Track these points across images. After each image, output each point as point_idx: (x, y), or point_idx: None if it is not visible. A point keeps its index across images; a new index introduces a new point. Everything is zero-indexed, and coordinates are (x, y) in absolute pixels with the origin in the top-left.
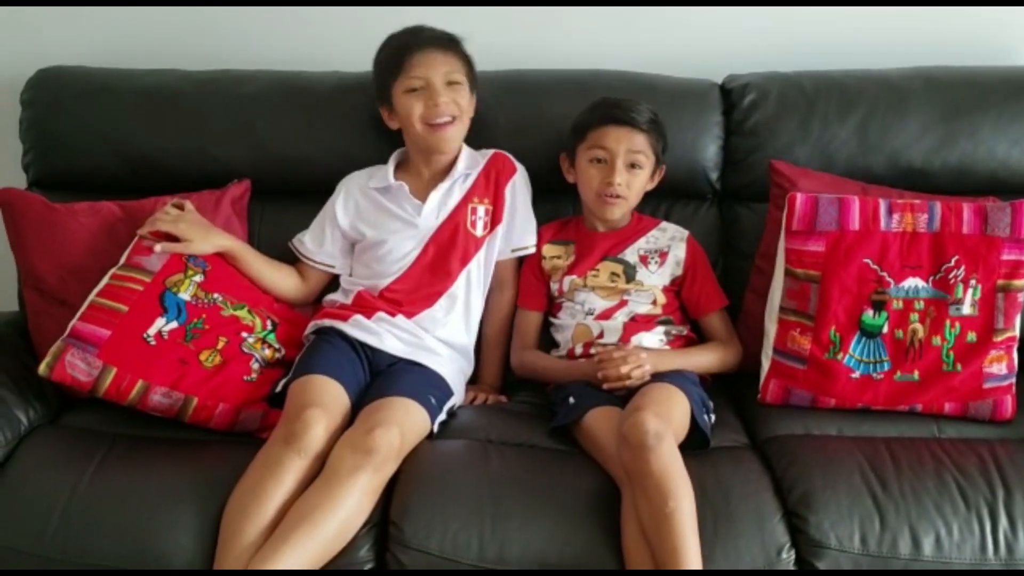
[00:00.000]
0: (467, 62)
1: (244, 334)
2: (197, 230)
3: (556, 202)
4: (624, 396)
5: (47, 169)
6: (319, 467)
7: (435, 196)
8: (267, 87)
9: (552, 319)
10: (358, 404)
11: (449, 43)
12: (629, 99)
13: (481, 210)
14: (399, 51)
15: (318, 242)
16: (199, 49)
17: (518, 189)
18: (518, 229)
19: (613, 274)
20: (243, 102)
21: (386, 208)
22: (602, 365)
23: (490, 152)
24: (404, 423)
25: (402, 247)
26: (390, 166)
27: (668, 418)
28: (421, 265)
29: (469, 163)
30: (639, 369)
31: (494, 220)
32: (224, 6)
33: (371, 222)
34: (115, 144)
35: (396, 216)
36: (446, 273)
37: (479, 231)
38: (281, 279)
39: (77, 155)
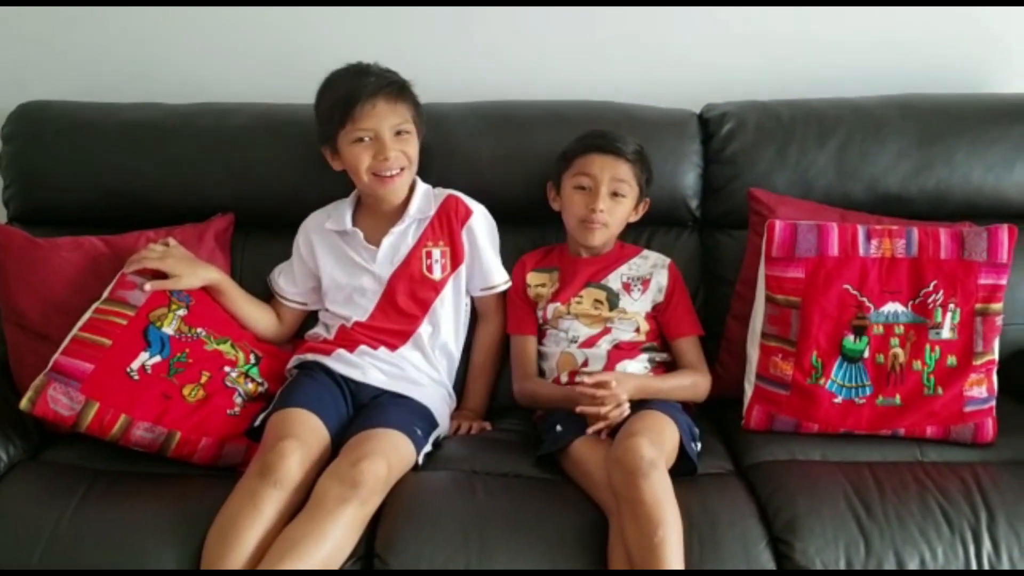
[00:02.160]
0: (416, 107)
1: (227, 368)
2: (185, 265)
3: (540, 231)
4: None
5: (28, 204)
6: (299, 500)
7: (387, 242)
8: (250, 120)
9: (538, 346)
10: (339, 438)
11: (399, 92)
12: (615, 131)
13: (437, 253)
14: (345, 100)
15: (290, 280)
16: (181, 83)
17: (476, 230)
18: (484, 269)
19: (596, 301)
20: (226, 135)
21: (343, 252)
22: (582, 401)
23: (444, 193)
24: (391, 455)
25: (362, 291)
26: (349, 207)
27: (660, 445)
28: (383, 308)
29: (423, 206)
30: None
31: (454, 260)
32: (206, 39)
33: (329, 265)
34: (97, 178)
35: (353, 261)
36: (408, 316)
37: (437, 274)
38: (261, 317)
39: (59, 190)
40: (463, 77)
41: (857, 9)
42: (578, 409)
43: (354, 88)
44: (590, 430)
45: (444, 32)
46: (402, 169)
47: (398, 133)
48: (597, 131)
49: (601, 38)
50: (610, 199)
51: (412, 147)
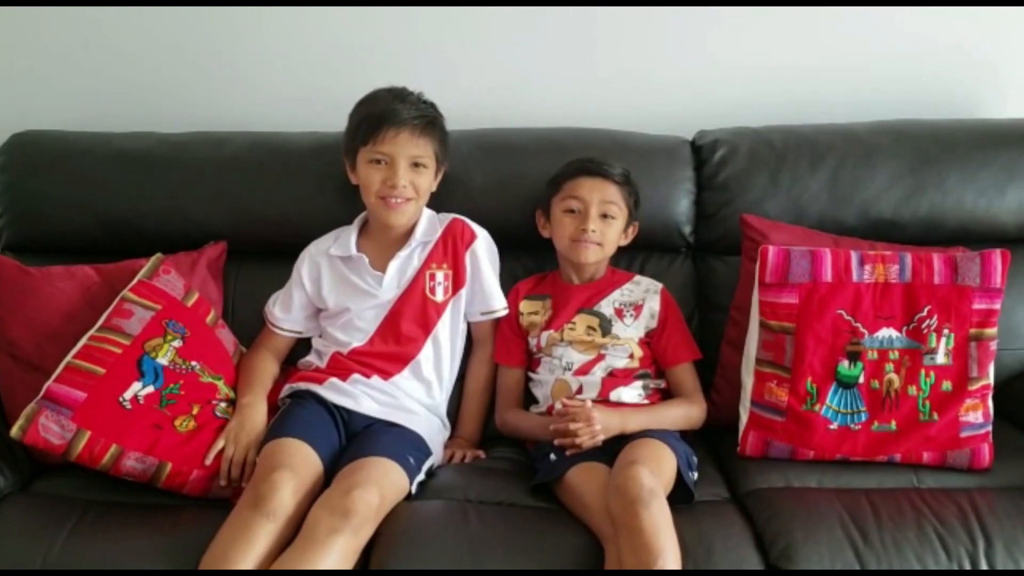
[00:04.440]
0: (442, 141)
1: (215, 400)
2: (251, 434)
3: (534, 257)
4: (607, 451)
5: (22, 232)
6: (291, 532)
7: (394, 266)
8: (244, 148)
9: (531, 374)
10: (332, 467)
11: (426, 126)
12: (601, 157)
13: (440, 275)
14: (375, 120)
15: (286, 308)
16: (175, 112)
17: (480, 254)
18: (485, 293)
19: (589, 327)
20: (220, 163)
21: (347, 278)
22: (555, 420)
23: (449, 217)
24: (383, 484)
25: (364, 316)
26: (353, 232)
27: (660, 474)
28: (383, 333)
29: (428, 230)
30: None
31: (456, 284)
32: (199, 69)
33: (333, 291)
34: (91, 207)
35: (357, 287)
36: (410, 340)
37: (439, 296)
38: (272, 380)
39: (52, 219)
40: (457, 105)
41: (848, 36)
42: (551, 427)
43: (385, 112)
44: (556, 441)
45: (437, 60)
46: (408, 200)
47: (415, 165)
48: (584, 157)
49: (594, 66)
50: (600, 220)
51: (424, 180)
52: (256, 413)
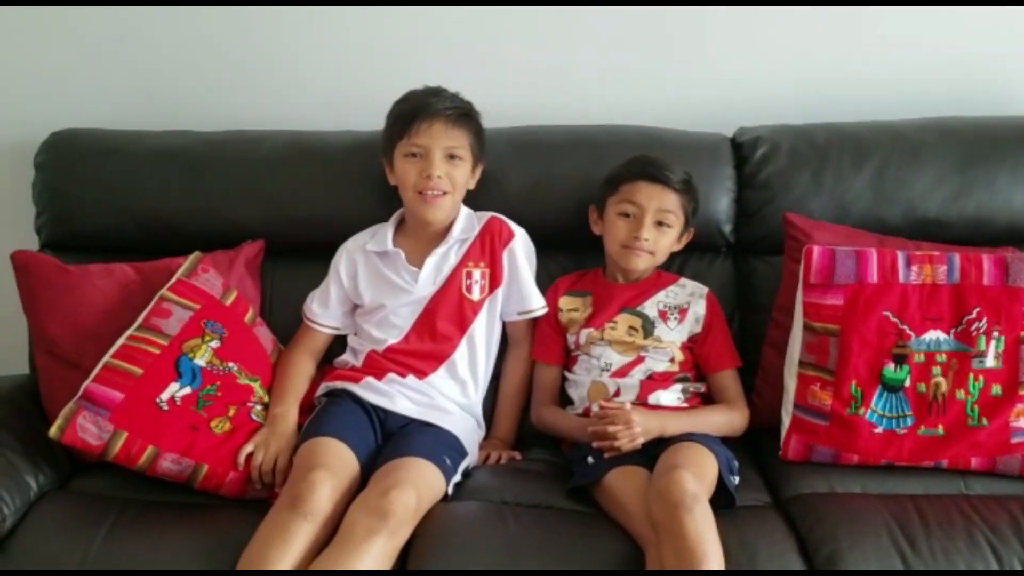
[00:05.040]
0: (476, 135)
1: (250, 403)
2: (280, 440)
3: (570, 256)
4: (646, 454)
5: (59, 231)
6: (328, 532)
7: (430, 262)
8: (280, 147)
9: (567, 373)
10: (368, 467)
11: (460, 117)
12: (664, 159)
13: (477, 274)
14: (409, 114)
15: (323, 304)
16: (211, 110)
17: (517, 253)
18: (522, 292)
19: (631, 327)
20: (256, 162)
21: (383, 274)
22: (596, 432)
23: (487, 216)
24: (420, 484)
25: (399, 312)
26: (390, 228)
27: (703, 479)
28: (419, 330)
29: (465, 227)
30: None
31: (492, 283)
32: (234, 68)
33: (369, 286)
34: (128, 205)
35: (393, 283)
36: (446, 339)
37: (475, 295)
38: (307, 383)
39: (90, 217)
40: (491, 103)
41: (891, 31)
42: (589, 429)
43: (419, 105)
44: (595, 444)
45: (473, 58)
46: (445, 193)
47: (451, 157)
48: (645, 158)
49: (630, 61)
50: (654, 228)
51: (461, 173)
52: (287, 422)
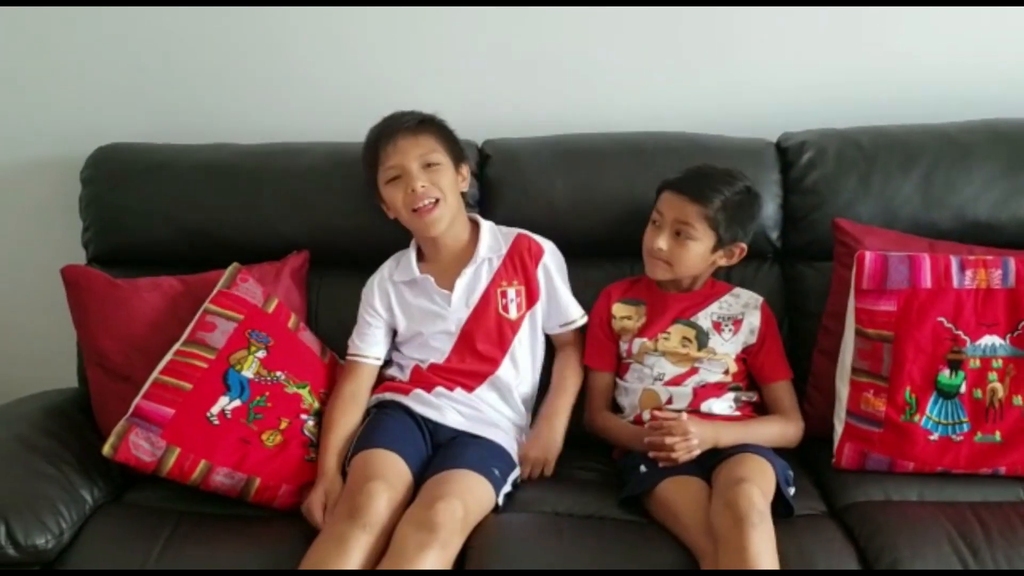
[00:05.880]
0: (446, 138)
1: (303, 416)
2: (331, 494)
3: (614, 265)
4: (699, 464)
5: (107, 245)
6: (383, 543)
7: (461, 283)
8: (322, 159)
9: (619, 380)
10: (421, 477)
11: (419, 124)
12: (717, 171)
13: (512, 292)
14: (373, 143)
15: (363, 336)
16: (254, 124)
17: (551, 268)
18: (561, 306)
19: (685, 339)
20: (299, 174)
21: (416, 302)
22: (650, 432)
23: (513, 232)
24: (466, 496)
25: (437, 338)
26: (412, 255)
27: (767, 494)
28: (459, 352)
29: (492, 245)
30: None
31: (529, 299)
32: (279, 81)
33: (404, 316)
34: (173, 218)
35: (426, 309)
36: (488, 359)
37: (512, 313)
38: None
39: (136, 230)
40: (533, 112)
41: (935, 32)
42: (645, 440)
43: (379, 132)
44: (651, 453)
45: (515, 65)
46: (437, 200)
47: (428, 165)
48: (695, 169)
49: (672, 67)
50: (672, 239)
51: (445, 178)
52: (334, 480)
